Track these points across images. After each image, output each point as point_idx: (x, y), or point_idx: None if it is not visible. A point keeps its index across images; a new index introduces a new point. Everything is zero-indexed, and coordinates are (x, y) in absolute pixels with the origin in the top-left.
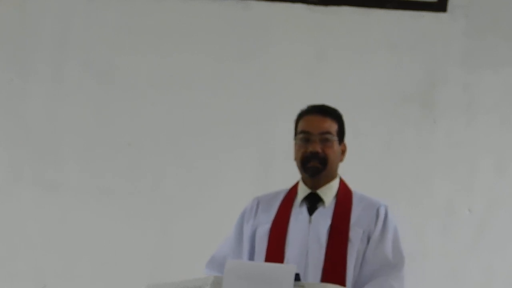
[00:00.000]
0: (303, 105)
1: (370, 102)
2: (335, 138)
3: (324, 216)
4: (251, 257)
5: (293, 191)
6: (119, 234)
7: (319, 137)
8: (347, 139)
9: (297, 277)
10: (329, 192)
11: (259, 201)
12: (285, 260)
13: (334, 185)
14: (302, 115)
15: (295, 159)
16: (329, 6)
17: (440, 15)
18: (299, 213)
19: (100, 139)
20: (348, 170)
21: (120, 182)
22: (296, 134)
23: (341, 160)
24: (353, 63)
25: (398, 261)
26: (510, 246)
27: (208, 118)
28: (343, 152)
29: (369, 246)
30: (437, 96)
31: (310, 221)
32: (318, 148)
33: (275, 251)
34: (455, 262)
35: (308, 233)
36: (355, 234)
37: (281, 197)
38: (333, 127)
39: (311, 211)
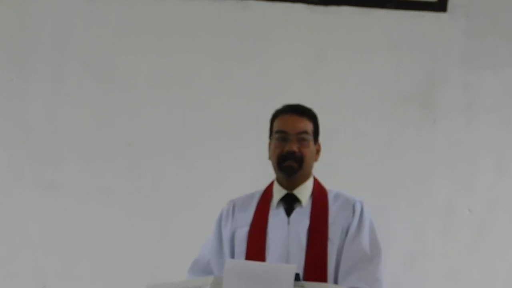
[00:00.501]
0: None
1: (370, 102)
2: (311, 138)
3: (302, 217)
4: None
5: (268, 192)
6: (119, 234)
7: (296, 137)
8: (347, 139)
9: (297, 277)
10: (305, 192)
11: (234, 204)
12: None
13: (309, 185)
14: (277, 115)
15: (270, 158)
16: (329, 6)
17: (440, 15)
18: (276, 214)
19: (100, 139)
20: (348, 170)
21: (120, 182)
22: (271, 133)
23: (315, 159)
24: (353, 63)
25: (376, 253)
26: (510, 246)
27: (208, 118)
28: (317, 151)
29: (346, 240)
30: (437, 96)
31: (288, 222)
32: (295, 147)
33: (255, 253)
34: (455, 262)
35: (287, 234)
36: (334, 233)
37: (256, 199)
38: (309, 126)
39: (288, 211)
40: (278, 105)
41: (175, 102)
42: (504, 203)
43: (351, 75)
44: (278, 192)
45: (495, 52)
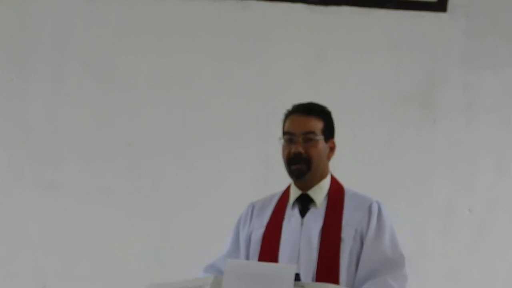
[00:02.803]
0: None
1: (370, 102)
2: (319, 137)
3: (316, 218)
4: None
5: (286, 194)
6: (119, 234)
7: (302, 137)
8: (348, 139)
9: (297, 277)
10: (320, 192)
11: (253, 207)
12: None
13: (325, 184)
14: (287, 115)
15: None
16: (329, 6)
17: (440, 15)
18: (291, 215)
19: (100, 139)
20: (349, 170)
21: (120, 182)
22: (283, 134)
23: (329, 158)
24: (353, 63)
25: (398, 259)
26: (510, 246)
27: (208, 118)
28: (331, 149)
29: (365, 244)
30: (437, 96)
31: (302, 223)
32: (300, 148)
33: (269, 255)
34: (455, 262)
35: (300, 236)
36: (348, 234)
37: (275, 201)
38: (317, 125)
39: (303, 212)
40: (278, 105)
41: (175, 102)
42: (504, 203)
43: (351, 75)
44: (294, 193)
45: (495, 52)
